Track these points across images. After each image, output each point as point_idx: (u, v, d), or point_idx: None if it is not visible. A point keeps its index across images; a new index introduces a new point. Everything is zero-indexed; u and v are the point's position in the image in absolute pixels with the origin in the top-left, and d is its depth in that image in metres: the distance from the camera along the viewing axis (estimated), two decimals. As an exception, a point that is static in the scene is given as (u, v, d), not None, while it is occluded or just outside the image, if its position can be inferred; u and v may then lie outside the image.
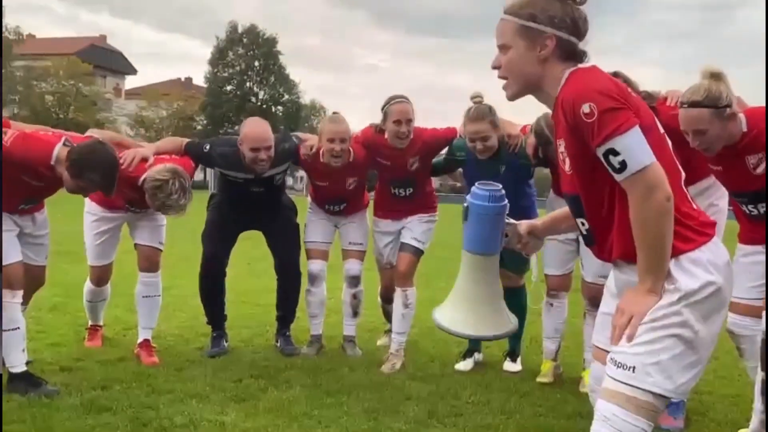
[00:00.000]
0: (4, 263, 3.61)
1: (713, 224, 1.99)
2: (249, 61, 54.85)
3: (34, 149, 3.61)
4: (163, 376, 4.11)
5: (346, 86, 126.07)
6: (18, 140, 3.57)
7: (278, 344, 4.93)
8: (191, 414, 3.46)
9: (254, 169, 4.52)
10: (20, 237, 3.86)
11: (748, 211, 3.31)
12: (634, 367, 1.84)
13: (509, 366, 4.67)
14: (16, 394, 3.60)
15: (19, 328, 3.70)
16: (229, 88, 54.86)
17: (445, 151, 4.71)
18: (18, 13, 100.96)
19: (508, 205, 2.44)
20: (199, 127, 52.35)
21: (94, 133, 4.36)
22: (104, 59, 58.06)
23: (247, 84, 55.32)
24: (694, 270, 1.87)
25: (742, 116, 3.10)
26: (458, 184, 5.26)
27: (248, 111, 44.61)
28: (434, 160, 4.74)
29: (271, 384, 4.04)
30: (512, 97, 2.08)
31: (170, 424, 3.34)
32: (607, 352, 1.98)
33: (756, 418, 3.30)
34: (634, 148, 1.82)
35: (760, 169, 3.13)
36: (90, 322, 4.95)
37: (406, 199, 4.76)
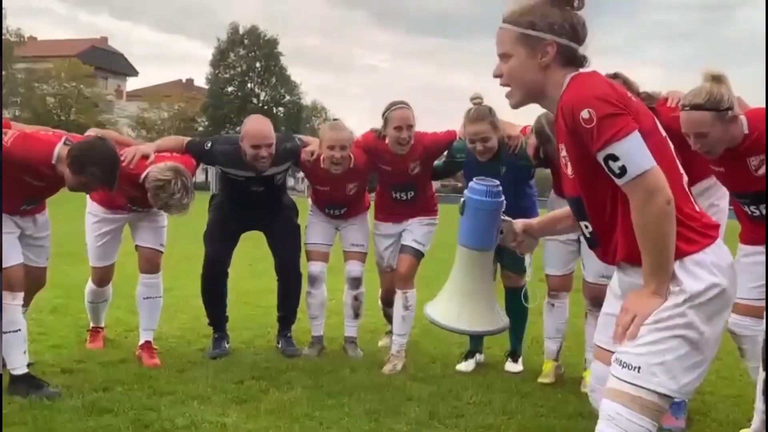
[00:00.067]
0: (4, 265, 3.60)
1: (716, 226, 2.00)
2: (250, 63, 54.85)
3: (35, 149, 3.61)
4: (164, 377, 4.11)
5: (346, 86, 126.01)
6: (18, 140, 3.57)
7: (279, 345, 4.93)
8: (193, 415, 3.46)
9: (255, 166, 4.52)
10: (21, 239, 3.85)
11: (749, 212, 3.31)
12: (639, 367, 1.86)
13: (511, 366, 4.67)
14: (17, 396, 3.60)
15: (20, 330, 3.70)
16: (230, 89, 54.89)
17: (445, 153, 4.71)
18: (19, 15, 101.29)
19: (505, 201, 2.44)
20: (200, 129, 52.21)
21: (94, 132, 4.36)
22: (105, 61, 58.08)
23: (249, 85, 55.34)
24: (699, 272, 1.89)
25: (743, 118, 3.10)
26: (459, 185, 5.25)
27: (249, 112, 43.76)
28: (435, 163, 4.74)
29: (272, 385, 4.04)
30: (516, 105, 2.08)
31: (172, 425, 3.34)
32: (610, 352, 1.99)
33: (757, 418, 3.30)
34: (633, 153, 1.83)
35: (762, 171, 3.13)
36: (91, 324, 4.95)
37: (407, 202, 4.76)
